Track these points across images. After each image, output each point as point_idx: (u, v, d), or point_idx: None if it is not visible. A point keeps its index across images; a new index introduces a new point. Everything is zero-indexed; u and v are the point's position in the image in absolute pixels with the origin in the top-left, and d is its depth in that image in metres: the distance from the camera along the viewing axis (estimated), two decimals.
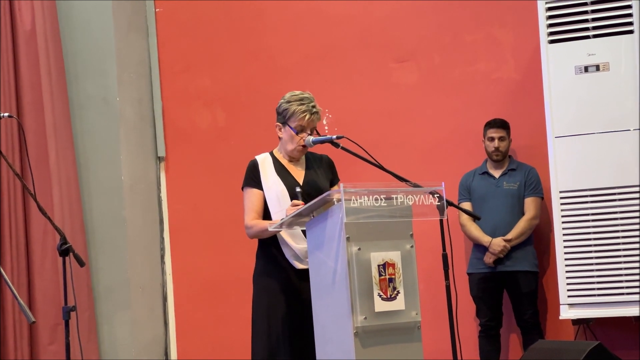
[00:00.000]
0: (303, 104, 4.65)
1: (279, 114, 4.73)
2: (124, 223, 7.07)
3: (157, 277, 7.35)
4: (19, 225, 6.67)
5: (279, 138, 4.76)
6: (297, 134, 4.66)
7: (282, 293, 4.64)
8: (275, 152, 4.81)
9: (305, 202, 4.51)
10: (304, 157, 4.80)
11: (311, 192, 4.66)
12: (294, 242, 4.61)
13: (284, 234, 4.60)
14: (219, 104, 7.34)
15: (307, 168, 4.78)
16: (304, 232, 4.55)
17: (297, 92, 4.72)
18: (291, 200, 4.60)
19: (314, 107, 4.67)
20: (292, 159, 4.77)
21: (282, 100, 4.72)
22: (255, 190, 4.69)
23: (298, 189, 4.64)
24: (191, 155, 7.40)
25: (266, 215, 4.68)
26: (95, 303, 7.03)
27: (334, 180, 4.83)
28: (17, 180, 6.47)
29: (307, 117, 4.64)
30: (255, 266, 4.77)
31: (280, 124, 4.72)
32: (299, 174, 4.75)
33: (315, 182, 4.74)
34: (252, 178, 4.71)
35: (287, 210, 4.47)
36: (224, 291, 7.20)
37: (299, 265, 4.62)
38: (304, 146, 4.69)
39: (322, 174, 4.80)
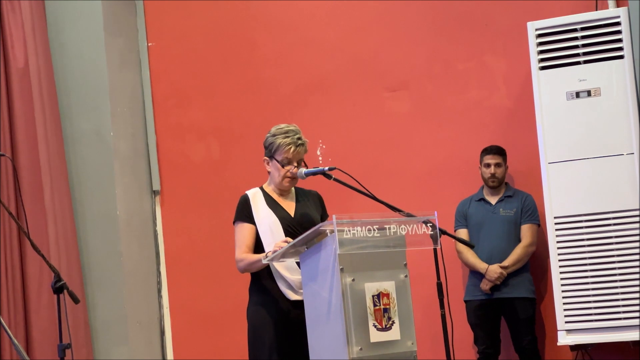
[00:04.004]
0: (288, 137, 4.67)
1: (265, 148, 4.75)
2: (120, 258, 7.05)
3: (155, 311, 7.32)
4: (14, 262, 6.64)
5: (268, 172, 4.78)
6: (283, 166, 4.67)
7: (280, 326, 4.62)
8: (265, 186, 4.82)
9: (298, 232, 4.51)
10: (293, 190, 4.82)
11: (303, 222, 4.68)
12: (289, 274, 4.62)
13: (279, 267, 4.60)
14: (213, 136, 7.34)
15: (297, 201, 4.80)
16: (298, 264, 4.55)
17: (283, 125, 4.74)
18: (285, 233, 4.60)
19: (299, 139, 4.68)
20: (282, 192, 4.78)
21: (268, 135, 4.75)
22: (247, 225, 4.69)
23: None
24: (186, 188, 7.39)
25: (257, 249, 4.67)
26: (92, 339, 6.99)
27: (323, 216, 4.84)
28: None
29: (292, 149, 4.66)
30: (249, 301, 4.76)
31: (268, 158, 4.74)
32: (289, 206, 4.76)
33: (306, 213, 4.74)
34: (244, 212, 4.71)
35: (276, 244, 4.45)
36: (221, 324, 7.18)
37: (293, 297, 4.61)
38: (292, 178, 4.70)
39: (312, 206, 4.81)
